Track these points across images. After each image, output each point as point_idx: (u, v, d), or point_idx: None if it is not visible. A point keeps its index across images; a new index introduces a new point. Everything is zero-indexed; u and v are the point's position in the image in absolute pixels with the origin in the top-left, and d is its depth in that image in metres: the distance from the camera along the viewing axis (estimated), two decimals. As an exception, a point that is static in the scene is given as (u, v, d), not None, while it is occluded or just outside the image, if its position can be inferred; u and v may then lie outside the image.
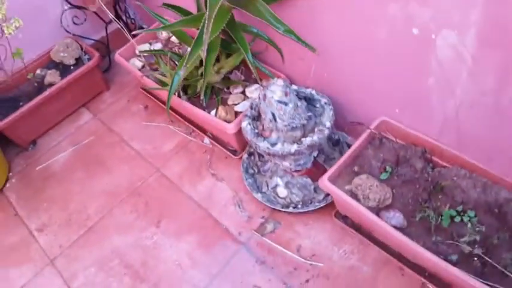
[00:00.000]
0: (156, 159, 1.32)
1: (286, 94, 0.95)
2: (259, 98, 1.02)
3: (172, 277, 1.05)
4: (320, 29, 0.98)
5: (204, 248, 1.09)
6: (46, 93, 1.34)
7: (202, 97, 1.13)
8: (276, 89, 0.95)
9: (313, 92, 1.06)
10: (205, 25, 0.82)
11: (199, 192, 1.21)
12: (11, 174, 1.36)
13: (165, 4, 1.14)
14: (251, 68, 1.03)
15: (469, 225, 0.87)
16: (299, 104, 0.96)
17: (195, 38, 0.93)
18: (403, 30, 0.81)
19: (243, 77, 1.22)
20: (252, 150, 1.21)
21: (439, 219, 0.89)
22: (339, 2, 0.89)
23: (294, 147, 0.95)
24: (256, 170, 1.20)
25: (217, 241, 1.09)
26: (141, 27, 1.58)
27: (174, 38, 1.41)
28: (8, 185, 1.34)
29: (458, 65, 0.77)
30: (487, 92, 0.77)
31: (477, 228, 0.86)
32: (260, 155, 1.21)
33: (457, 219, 0.88)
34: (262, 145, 0.98)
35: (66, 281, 1.09)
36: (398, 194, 0.96)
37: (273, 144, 0.98)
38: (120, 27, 1.27)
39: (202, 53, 0.89)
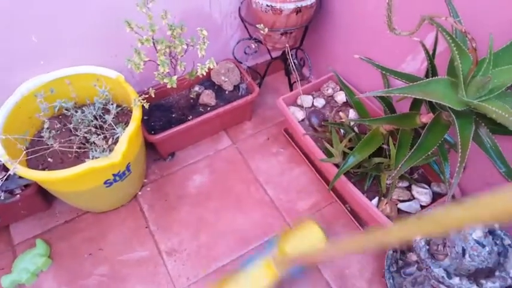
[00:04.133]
0: (290, 214, 1.31)
1: (485, 236, 0.91)
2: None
3: None
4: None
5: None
6: (203, 116, 1.34)
7: (383, 192, 1.10)
8: (476, 226, 0.91)
9: (496, 225, 1.01)
10: (458, 169, 0.78)
11: (332, 271, 1.19)
12: (146, 180, 1.40)
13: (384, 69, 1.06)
14: (444, 182, 0.98)
15: None
16: (495, 249, 0.92)
17: (415, 149, 0.89)
18: None
19: (416, 176, 1.18)
20: (396, 246, 1.18)
21: None
22: None
23: (472, 288, 0.92)
24: (395, 268, 1.17)
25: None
26: (299, 70, 1.53)
27: (339, 98, 1.38)
28: (141, 192, 1.37)
29: None
30: None
31: None
32: (402, 253, 1.18)
33: None
34: (437, 271, 0.94)
35: (190, 319, 1.12)
36: None
37: (449, 275, 0.94)
38: (296, 78, 1.24)
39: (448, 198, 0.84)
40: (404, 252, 1.19)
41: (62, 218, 1.31)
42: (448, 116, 0.90)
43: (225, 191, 1.37)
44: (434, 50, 0.92)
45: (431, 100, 0.81)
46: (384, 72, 0.88)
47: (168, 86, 1.06)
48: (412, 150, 0.90)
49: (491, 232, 1.01)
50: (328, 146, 1.19)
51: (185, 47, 1.03)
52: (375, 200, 1.15)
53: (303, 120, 1.35)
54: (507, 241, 0.99)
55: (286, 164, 1.44)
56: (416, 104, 1.04)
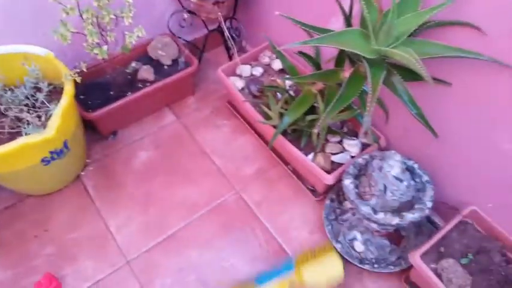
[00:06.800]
0: (237, 180, 1.36)
1: (403, 171, 1.01)
2: (369, 164, 1.09)
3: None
4: (442, 115, 1.04)
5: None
6: (142, 91, 1.35)
7: (315, 144, 1.19)
8: (395, 164, 1.01)
9: (416, 165, 1.12)
10: (368, 106, 0.86)
11: (276, 225, 1.26)
12: (88, 161, 1.38)
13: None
14: (368, 132, 1.08)
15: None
16: (412, 183, 1.03)
17: (336, 100, 0.97)
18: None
19: (346, 129, 1.27)
20: (333, 196, 1.28)
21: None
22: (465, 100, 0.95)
23: (395, 220, 1.02)
24: (333, 217, 1.26)
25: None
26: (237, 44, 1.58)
27: (275, 65, 1.44)
28: (84, 172, 1.35)
29: None
30: None
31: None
32: (339, 202, 1.28)
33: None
34: (365, 209, 1.04)
35: (143, 286, 1.14)
36: (474, 282, 1.05)
37: (375, 212, 1.04)
38: (230, 46, 1.28)
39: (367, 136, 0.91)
40: (341, 202, 1.29)
41: (1, 204, 1.27)
42: (364, 68, 0.99)
43: (172, 165, 1.39)
44: (350, 9, 1.01)
45: (344, 49, 0.89)
46: (303, 27, 0.95)
47: (99, 58, 1.06)
48: (334, 101, 0.98)
49: (409, 169, 1.12)
50: (266, 109, 1.25)
51: (113, 17, 1.04)
52: (311, 156, 1.23)
53: (242, 89, 1.40)
54: (425, 178, 1.11)
55: (231, 134, 1.49)
56: (340, 61, 1.13)
